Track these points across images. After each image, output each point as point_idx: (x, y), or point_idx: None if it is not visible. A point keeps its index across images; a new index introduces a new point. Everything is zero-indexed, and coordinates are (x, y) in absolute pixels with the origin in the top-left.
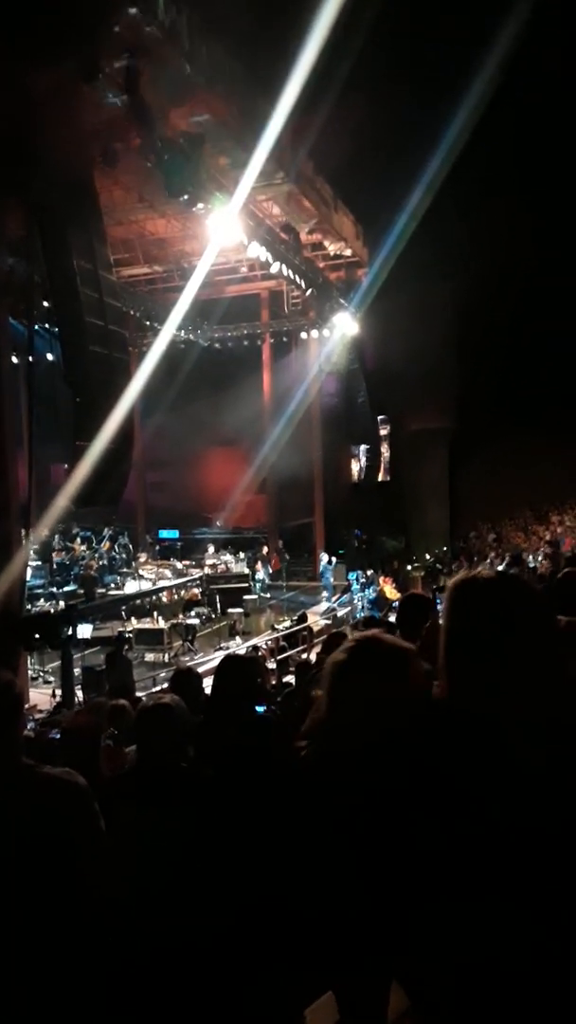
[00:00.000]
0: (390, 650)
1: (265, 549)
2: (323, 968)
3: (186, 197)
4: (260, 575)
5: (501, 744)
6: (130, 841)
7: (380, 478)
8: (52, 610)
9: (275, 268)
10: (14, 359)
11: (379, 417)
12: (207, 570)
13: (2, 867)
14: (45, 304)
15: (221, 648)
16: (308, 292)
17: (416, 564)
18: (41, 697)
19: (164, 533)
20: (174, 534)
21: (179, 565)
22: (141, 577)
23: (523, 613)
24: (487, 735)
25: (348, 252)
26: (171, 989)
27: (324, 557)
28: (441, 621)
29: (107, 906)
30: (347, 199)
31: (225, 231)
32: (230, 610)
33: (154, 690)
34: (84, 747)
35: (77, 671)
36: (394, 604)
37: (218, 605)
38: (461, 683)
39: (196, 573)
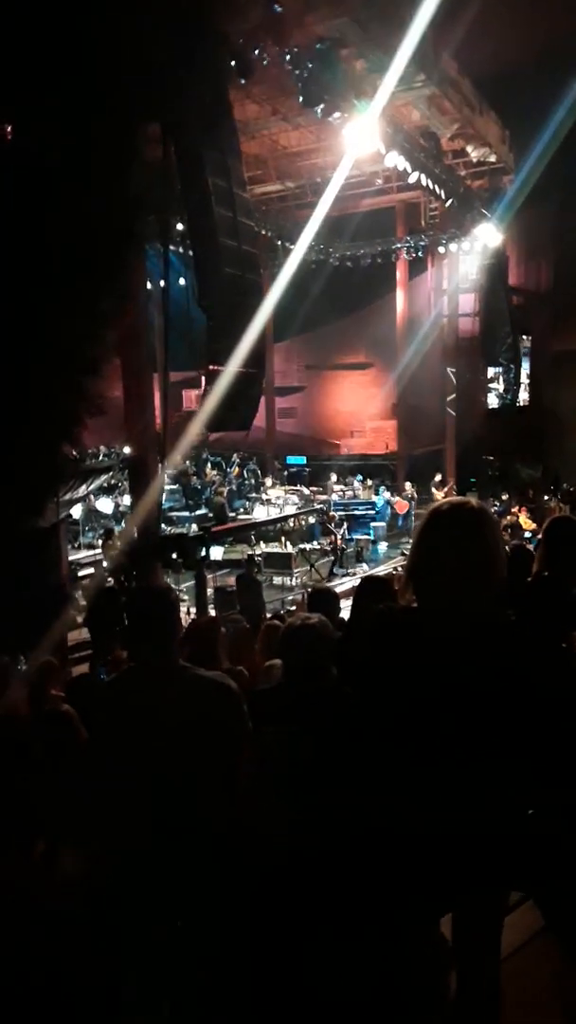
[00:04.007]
0: None
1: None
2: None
3: (322, 106)
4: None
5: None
6: (270, 757)
7: (519, 403)
8: (187, 532)
9: (413, 178)
10: (147, 285)
11: (521, 337)
12: (334, 496)
13: (164, 758)
14: (179, 227)
15: (348, 574)
16: (448, 203)
17: (555, 493)
18: None
19: (292, 459)
20: (302, 460)
21: (306, 491)
22: (269, 502)
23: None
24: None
25: (492, 158)
26: (304, 899)
27: (384, 494)
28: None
29: (249, 810)
30: (493, 101)
31: (362, 140)
32: (356, 536)
33: (282, 612)
34: (202, 644)
35: (210, 591)
36: (527, 535)
37: (346, 531)
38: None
39: (323, 499)
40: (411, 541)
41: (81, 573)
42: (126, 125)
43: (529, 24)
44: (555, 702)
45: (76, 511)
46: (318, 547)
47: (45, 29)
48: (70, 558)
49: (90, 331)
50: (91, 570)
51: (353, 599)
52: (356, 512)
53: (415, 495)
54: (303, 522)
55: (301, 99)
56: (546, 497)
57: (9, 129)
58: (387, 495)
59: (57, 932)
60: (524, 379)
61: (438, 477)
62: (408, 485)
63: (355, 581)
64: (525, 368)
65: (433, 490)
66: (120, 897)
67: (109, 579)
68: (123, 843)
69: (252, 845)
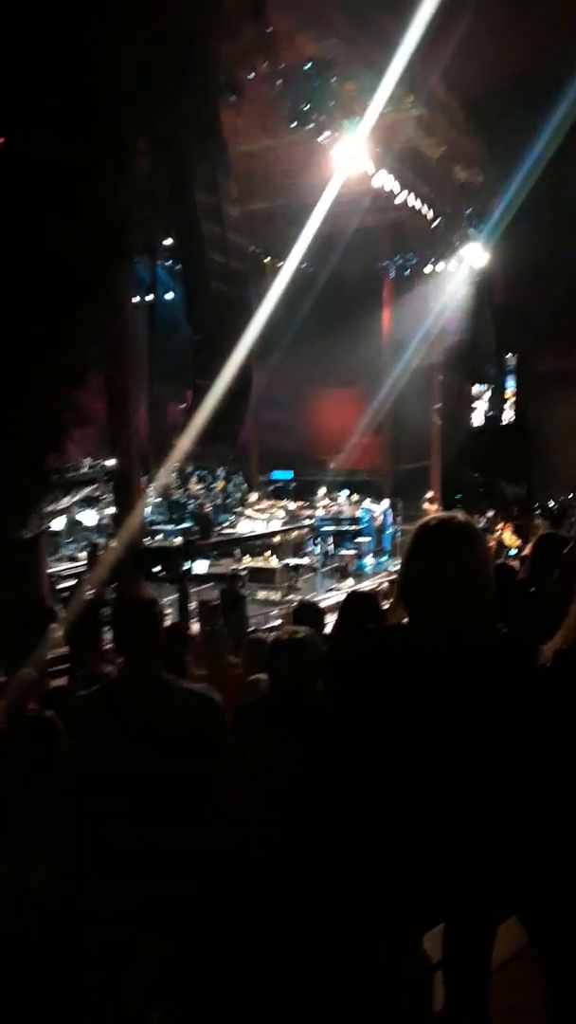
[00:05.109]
0: None
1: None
2: (441, 894)
3: (312, 125)
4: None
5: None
6: (254, 769)
7: (503, 421)
8: (171, 545)
9: (401, 198)
10: (134, 299)
11: (505, 356)
12: (319, 512)
13: (148, 771)
14: (167, 242)
15: (332, 589)
16: (436, 222)
17: (538, 511)
18: None
19: (277, 474)
20: (288, 475)
21: (291, 506)
22: (253, 517)
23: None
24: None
25: (480, 179)
26: (287, 911)
27: (370, 507)
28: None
29: (231, 822)
30: (481, 123)
31: (351, 160)
32: (342, 551)
33: (265, 626)
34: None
35: (193, 605)
36: (511, 552)
37: (331, 546)
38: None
39: (308, 514)
40: (400, 558)
41: (62, 585)
42: (116, 138)
43: (515, 48)
44: (542, 715)
45: (59, 523)
46: (307, 562)
47: (37, 42)
48: (51, 570)
49: (77, 342)
50: (72, 582)
51: (338, 614)
52: (342, 528)
53: (392, 508)
54: (289, 537)
55: (290, 118)
56: (532, 514)
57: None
58: (371, 507)
59: (27, 947)
60: (509, 397)
61: (429, 494)
62: (386, 501)
63: (340, 596)
64: (510, 386)
65: (425, 506)
66: (94, 912)
67: (90, 592)
68: (100, 857)
69: (236, 858)
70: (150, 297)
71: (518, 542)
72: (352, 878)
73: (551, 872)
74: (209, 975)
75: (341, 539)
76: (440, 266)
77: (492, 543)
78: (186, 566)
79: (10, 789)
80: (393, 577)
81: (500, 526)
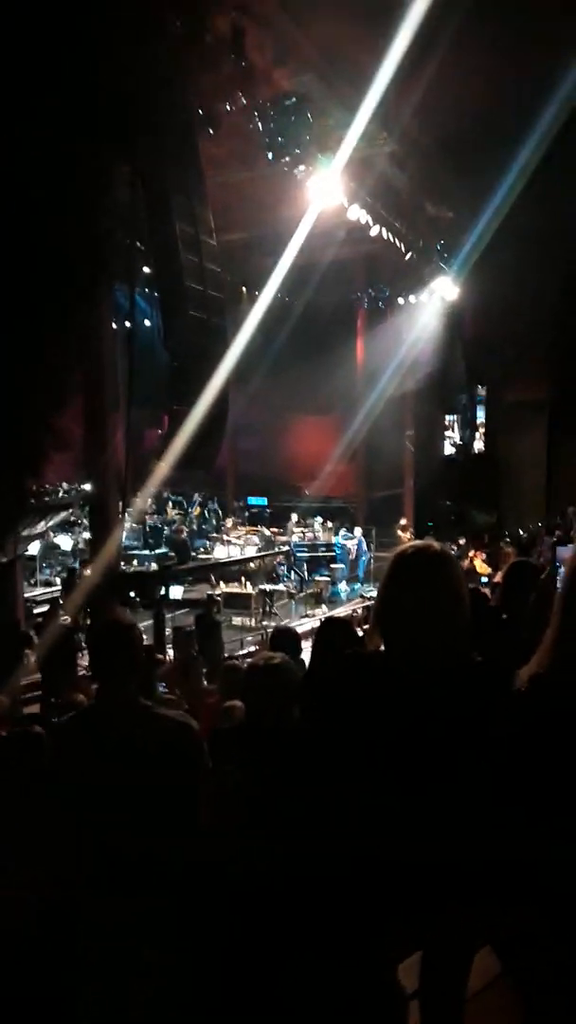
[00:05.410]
0: None
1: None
2: (418, 918)
3: (288, 159)
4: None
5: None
6: (230, 796)
7: (474, 451)
8: (147, 570)
9: (375, 231)
10: (113, 325)
11: (476, 387)
12: (294, 538)
13: (124, 795)
14: (146, 270)
15: (307, 616)
16: (408, 256)
17: (508, 539)
18: None
19: (253, 500)
20: (263, 501)
21: (267, 532)
22: (229, 543)
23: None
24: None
25: (450, 214)
26: (262, 934)
27: (344, 534)
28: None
29: (209, 848)
30: (451, 159)
31: (326, 194)
32: (316, 578)
33: (240, 652)
34: None
35: (168, 631)
36: (483, 579)
37: (305, 573)
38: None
39: (283, 540)
40: (376, 584)
41: (37, 611)
42: (97, 167)
43: (484, 86)
44: (516, 739)
45: (34, 547)
46: (283, 588)
47: (19, 72)
48: (26, 595)
49: (56, 366)
50: (48, 607)
51: (314, 640)
52: (316, 554)
53: (366, 535)
54: (264, 563)
55: (268, 152)
56: (501, 543)
57: None
58: (344, 537)
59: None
60: (479, 427)
61: (403, 521)
62: (357, 530)
63: (315, 622)
64: (480, 416)
65: (399, 533)
66: (92, 923)
67: (64, 618)
68: (87, 872)
69: (213, 883)
70: (128, 324)
71: (489, 570)
72: (328, 896)
73: (527, 891)
74: (209, 987)
75: (315, 566)
76: (412, 298)
77: (464, 570)
78: (162, 591)
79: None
80: (368, 603)
81: (471, 554)
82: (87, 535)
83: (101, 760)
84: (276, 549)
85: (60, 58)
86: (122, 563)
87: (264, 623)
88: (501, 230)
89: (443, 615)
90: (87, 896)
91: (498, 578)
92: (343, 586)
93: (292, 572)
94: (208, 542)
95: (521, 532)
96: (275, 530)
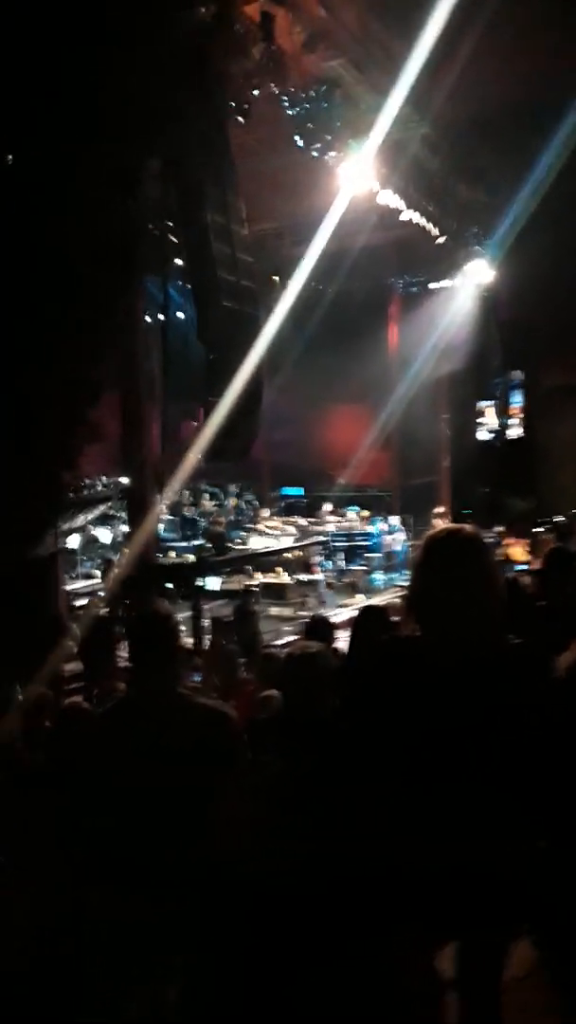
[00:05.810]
0: None
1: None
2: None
3: (319, 145)
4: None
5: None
6: (268, 784)
7: (511, 436)
8: (184, 561)
9: (407, 216)
10: (147, 319)
11: (513, 372)
12: (330, 527)
13: (162, 784)
14: (178, 262)
15: (343, 605)
16: (442, 239)
17: (547, 526)
18: None
19: (288, 490)
20: (299, 491)
21: (303, 522)
22: (265, 533)
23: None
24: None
25: (484, 197)
26: (299, 928)
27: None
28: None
29: (245, 837)
30: (485, 141)
31: (357, 179)
32: (352, 567)
33: (278, 642)
34: None
35: (206, 622)
36: (517, 567)
37: (342, 562)
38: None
39: (319, 530)
40: (410, 571)
41: (78, 603)
42: (128, 159)
43: (519, 68)
44: (555, 729)
45: (74, 541)
46: (320, 577)
47: (48, 65)
48: (68, 588)
49: (90, 360)
50: (87, 599)
51: (352, 628)
52: (353, 543)
53: (403, 526)
54: (302, 552)
55: (298, 139)
56: (540, 529)
57: (10, 157)
58: (382, 526)
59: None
60: (516, 412)
61: (439, 508)
62: (396, 519)
63: (352, 612)
64: (517, 402)
65: (435, 521)
66: (108, 925)
67: (104, 609)
68: (112, 871)
69: (248, 875)
70: (162, 316)
71: (526, 556)
72: (365, 893)
73: (566, 890)
74: (222, 989)
75: (352, 555)
76: (446, 282)
77: (501, 557)
78: (199, 583)
79: (23, 802)
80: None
81: (508, 541)
82: (125, 528)
83: (140, 748)
84: (312, 539)
85: (87, 50)
86: (160, 555)
87: (301, 613)
88: (537, 211)
89: (475, 598)
90: (113, 893)
91: (536, 565)
92: (380, 575)
93: (330, 561)
94: (244, 533)
95: (559, 519)
96: (311, 520)
